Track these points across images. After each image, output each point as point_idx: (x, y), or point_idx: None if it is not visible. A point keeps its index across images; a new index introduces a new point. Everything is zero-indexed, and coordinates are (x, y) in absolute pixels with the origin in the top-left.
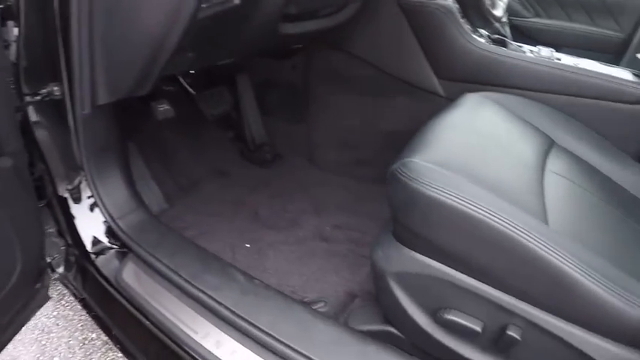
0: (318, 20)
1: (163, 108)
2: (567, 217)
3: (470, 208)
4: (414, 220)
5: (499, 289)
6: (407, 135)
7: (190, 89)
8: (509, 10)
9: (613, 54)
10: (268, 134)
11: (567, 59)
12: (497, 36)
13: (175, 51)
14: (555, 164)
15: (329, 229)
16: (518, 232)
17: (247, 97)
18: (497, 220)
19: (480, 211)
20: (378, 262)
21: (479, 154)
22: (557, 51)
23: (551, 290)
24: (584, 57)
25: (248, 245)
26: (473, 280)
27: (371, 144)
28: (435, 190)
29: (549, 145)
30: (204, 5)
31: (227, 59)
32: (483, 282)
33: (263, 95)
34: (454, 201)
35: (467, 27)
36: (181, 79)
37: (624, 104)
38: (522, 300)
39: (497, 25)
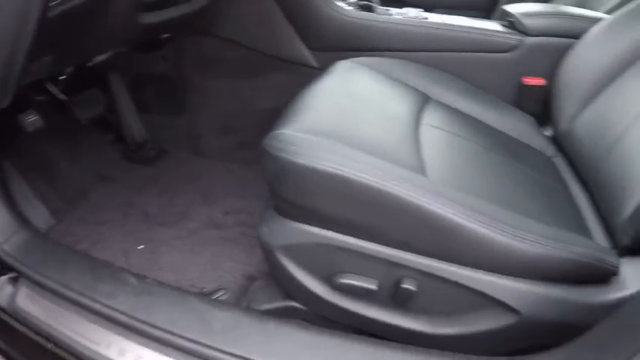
0: (178, 7)
1: (31, 119)
2: (446, 166)
3: (342, 171)
4: (289, 191)
5: (386, 245)
6: None
7: (61, 95)
8: None
9: (484, 11)
10: (149, 131)
11: (435, 17)
12: (364, 2)
13: (31, 55)
14: (431, 117)
15: (220, 216)
16: (393, 186)
17: (121, 95)
18: (371, 178)
19: (353, 172)
20: (264, 239)
21: (351, 117)
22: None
23: (435, 238)
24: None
25: (141, 247)
26: (359, 240)
27: (251, 126)
28: (305, 158)
29: (424, 101)
30: (52, 3)
31: (89, 57)
32: (370, 241)
33: (138, 91)
34: (325, 166)
35: None
36: (50, 86)
37: (496, 54)
38: (411, 252)
39: None
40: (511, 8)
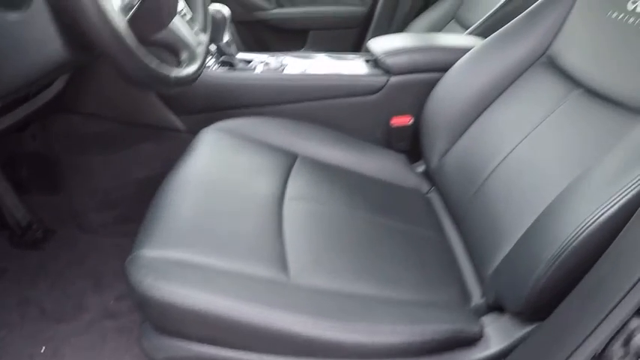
0: (29, 103)
1: None
2: (307, 252)
3: (198, 306)
4: (154, 317)
5: (267, 353)
6: (161, 179)
7: None
8: (251, 5)
9: (359, 27)
10: (32, 212)
11: (297, 64)
12: (223, 58)
13: None
14: (296, 186)
15: (112, 302)
16: (248, 310)
17: None
18: (224, 310)
19: (207, 305)
20: (146, 351)
21: (212, 213)
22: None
23: (293, 348)
24: (335, 35)
25: (43, 349)
26: (239, 352)
27: (129, 198)
28: (163, 291)
29: (291, 163)
30: None
31: None
32: (249, 351)
33: (13, 172)
34: (182, 299)
35: None
36: None
37: (363, 96)
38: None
39: (222, 44)
40: (375, 45)
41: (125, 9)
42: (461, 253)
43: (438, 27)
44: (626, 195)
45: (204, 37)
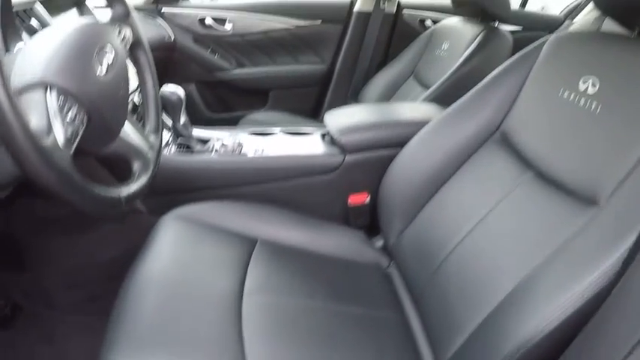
0: None
1: None
2: (265, 352)
3: None
4: None
5: None
6: (125, 259)
7: None
8: (212, 66)
9: (319, 85)
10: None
11: (254, 143)
12: (180, 140)
13: None
14: (255, 277)
15: None
16: None
17: None
18: None
19: None
20: None
21: (175, 316)
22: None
23: None
24: (296, 94)
25: None
26: None
27: (96, 278)
28: None
29: (251, 248)
30: None
31: None
32: None
33: None
34: None
35: None
36: None
37: (320, 175)
38: None
39: (179, 126)
40: (330, 120)
41: (71, 139)
42: (420, 335)
43: (398, 84)
44: (584, 295)
45: (155, 140)
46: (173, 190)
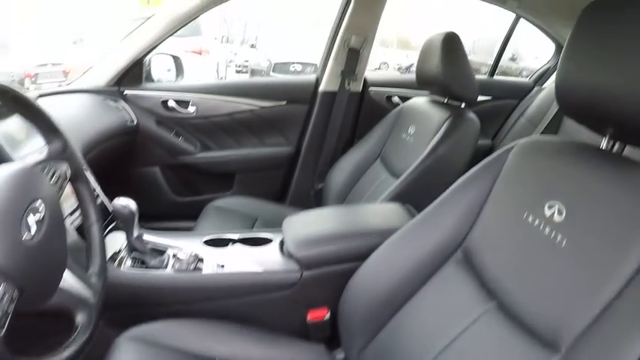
0: None
1: None
2: None
3: None
4: None
5: None
6: None
7: None
8: (176, 150)
9: (286, 168)
10: None
11: (211, 257)
12: (134, 254)
13: None
14: None
15: None
16: None
17: None
18: None
19: None
20: None
21: None
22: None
23: None
24: (262, 177)
25: None
26: None
27: None
28: None
29: None
30: None
31: None
32: None
33: None
34: None
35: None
36: None
37: (278, 292)
38: None
39: (133, 240)
40: (287, 231)
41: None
42: None
43: (364, 167)
44: None
45: (98, 284)
46: (128, 305)
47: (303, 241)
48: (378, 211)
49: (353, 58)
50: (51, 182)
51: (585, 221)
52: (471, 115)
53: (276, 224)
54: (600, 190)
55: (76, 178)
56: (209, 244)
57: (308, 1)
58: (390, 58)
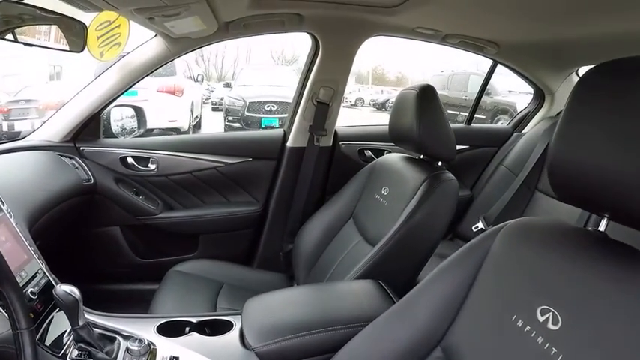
0: None
1: None
2: None
3: None
4: None
5: None
6: None
7: None
8: (136, 209)
9: (253, 227)
10: None
11: (162, 346)
12: (80, 345)
13: None
14: None
15: None
16: None
17: None
18: None
19: None
20: None
21: None
22: None
23: None
24: (228, 237)
25: None
26: None
27: None
28: None
29: None
30: None
31: None
32: None
33: None
34: None
35: None
36: None
37: None
38: None
39: (79, 329)
40: (248, 317)
41: None
42: None
43: (336, 227)
44: None
45: None
46: None
47: (263, 332)
48: (349, 293)
49: (322, 112)
50: None
51: (584, 331)
52: (449, 175)
53: (242, 291)
54: (600, 288)
55: (1, 282)
56: (163, 331)
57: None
58: (366, 94)
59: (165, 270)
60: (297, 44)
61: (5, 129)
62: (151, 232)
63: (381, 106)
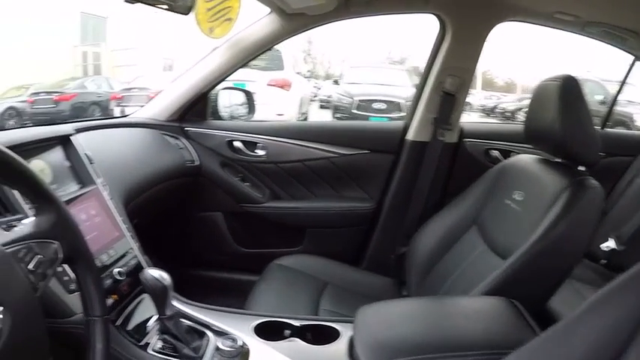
0: None
1: None
2: None
3: None
4: None
5: None
6: None
7: None
8: (241, 196)
9: (364, 225)
10: None
11: (257, 349)
12: (166, 337)
13: None
14: None
15: None
16: None
17: None
18: None
19: None
20: None
21: None
22: None
23: None
24: (336, 234)
25: None
26: None
27: None
28: None
29: None
30: None
31: None
32: None
33: None
34: None
35: None
36: None
37: None
38: None
39: (165, 320)
40: (361, 328)
41: None
42: None
43: (457, 234)
44: None
45: None
46: None
47: (379, 349)
48: (478, 312)
49: (448, 103)
50: (28, 269)
51: None
52: (594, 182)
53: (348, 293)
54: None
55: (75, 260)
56: (261, 332)
57: (395, 37)
58: (474, 99)
59: (265, 262)
60: (406, 45)
61: (117, 114)
62: (254, 221)
63: (490, 112)
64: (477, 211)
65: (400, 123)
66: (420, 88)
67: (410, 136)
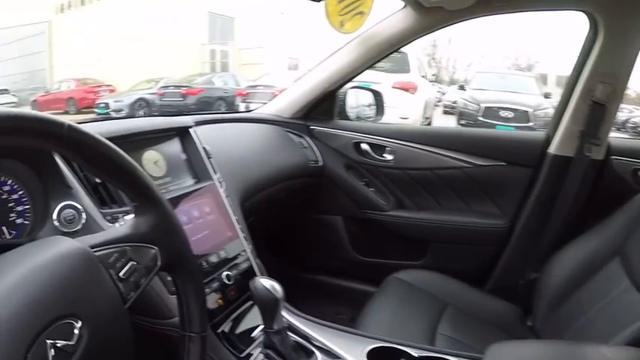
0: None
1: None
2: None
3: None
4: None
5: None
6: None
7: None
8: (365, 202)
9: (494, 245)
10: None
11: None
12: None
13: None
14: None
15: None
16: None
17: None
18: None
19: None
20: None
21: None
22: None
23: None
24: (462, 250)
25: None
26: None
27: None
28: None
29: None
30: None
31: None
32: None
33: None
34: None
35: None
36: None
37: None
38: None
39: (272, 334)
40: None
41: None
42: None
43: (595, 265)
44: None
45: None
46: None
47: None
48: None
49: (597, 114)
50: (119, 277)
51: None
52: None
53: (469, 318)
54: None
55: (175, 268)
56: (374, 358)
57: (524, 41)
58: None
59: (383, 274)
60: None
61: (242, 109)
62: (375, 229)
63: (620, 127)
64: (621, 240)
65: (541, 134)
66: (566, 97)
67: (552, 149)
